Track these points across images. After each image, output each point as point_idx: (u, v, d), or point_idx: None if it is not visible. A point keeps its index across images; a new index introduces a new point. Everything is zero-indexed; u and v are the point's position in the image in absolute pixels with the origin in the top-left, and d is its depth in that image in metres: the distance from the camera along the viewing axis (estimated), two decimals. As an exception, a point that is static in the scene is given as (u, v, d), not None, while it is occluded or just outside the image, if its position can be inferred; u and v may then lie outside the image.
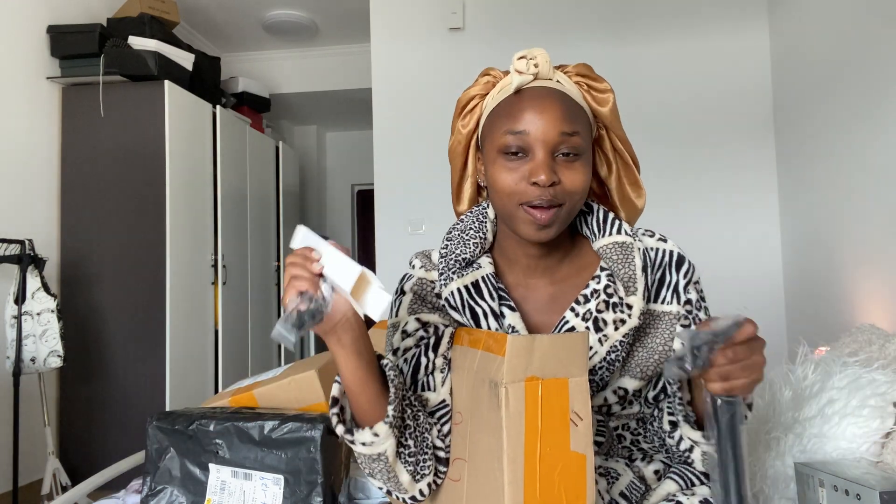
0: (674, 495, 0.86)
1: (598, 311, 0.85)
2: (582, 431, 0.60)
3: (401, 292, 0.95)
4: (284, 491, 0.95)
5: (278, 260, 4.52)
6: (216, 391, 3.54)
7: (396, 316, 0.93)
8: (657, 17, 3.10)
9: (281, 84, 4.78)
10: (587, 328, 0.85)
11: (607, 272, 0.88)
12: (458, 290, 0.89)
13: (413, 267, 0.96)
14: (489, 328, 0.86)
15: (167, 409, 2.89)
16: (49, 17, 3.08)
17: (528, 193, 0.81)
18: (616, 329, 0.85)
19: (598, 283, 0.87)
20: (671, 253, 0.90)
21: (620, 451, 0.89)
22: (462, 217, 0.97)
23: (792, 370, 1.30)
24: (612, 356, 0.85)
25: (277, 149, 4.55)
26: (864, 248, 2.20)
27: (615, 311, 0.85)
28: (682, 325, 0.88)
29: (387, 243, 3.23)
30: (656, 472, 0.89)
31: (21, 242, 2.54)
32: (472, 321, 0.88)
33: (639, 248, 0.88)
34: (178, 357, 3.13)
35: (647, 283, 0.88)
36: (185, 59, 3.34)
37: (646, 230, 0.93)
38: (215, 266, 3.56)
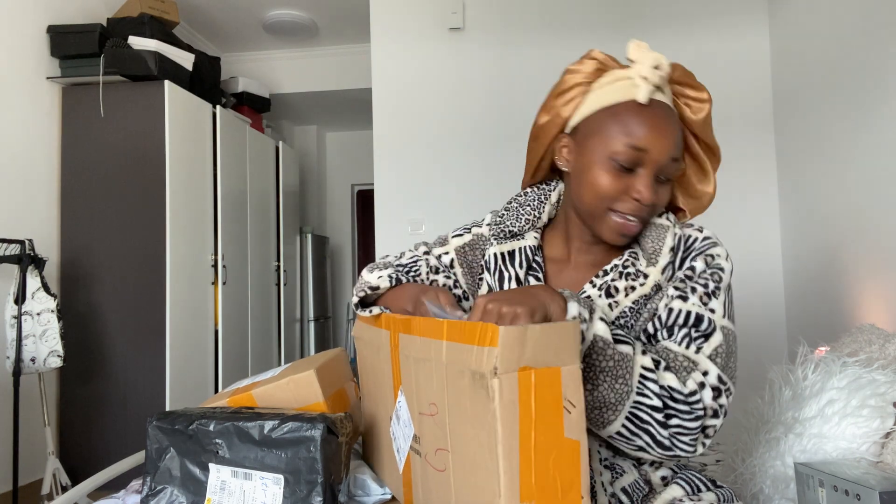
0: (680, 500, 0.85)
1: (612, 281, 0.89)
2: (575, 418, 0.60)
3: (465, 229, 1.05)
4: (284, 490, 0.95)
5: (278, 260, 4.52)
6: (216, 391, 3.54)
7: (446, 242, 1.05)
8: (657, 17, 3.10)
9: (281, 84, 4.78)
10: (599, 296, 0.88)
11: (631, 251, 0.91)
12: (495, 254, 0.97)
13: (483, 220, 1.05)
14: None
15: (167, 409, 2.89)
16: (49, 17, 3.08)
17: (626, 206, 0.85)
18: (626, 295, 0.87)
19: (620, 259, 0.91)
20: (699, 237, 0.90)
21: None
22: (526, 191, 1.01)
23: (792, 370, 1.30)
24: (622, 321, 0.87)
25: (277, 149, 4.56)
26: (864, 248, 2.20)
27: (628, 280, 0.88)
28: (675, 287, 0.85)
29: (387, 243, 3.23)
30: (663, 478, 0.88)
31: (21, 242, 2.55)
32: (497, 284, 0.95)
33: (674, 233, 0.90)
34: (178, 357, 3.13)
35: (672, 262, 0.89)
36: (185, 59, 3.34)
37: (689, 223, 0.94)
38: (215, 266, 3.56)
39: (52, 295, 2.53)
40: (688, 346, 0.81)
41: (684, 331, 0.82)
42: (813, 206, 2.62)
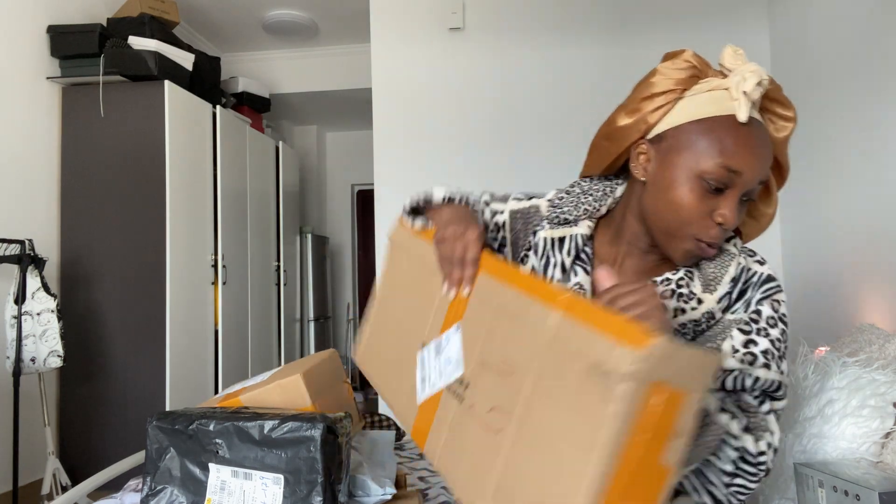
0: None
1: (663, 298, 0.83)
2: (676, 447, 0.58)
3: (527, 196, 1.03)
4: (284, 490, 0.95)
5: (278, 260, 4.52)
6: (216, 391, 3.54)
7: (506, 200, 1.05)
8: (657, 17, 3.10)
9: (281, 84, 4.78)
10: None
11: (687, 268, 0.87)
12: (545, 239, 0.95)
13: (545, 195, 1.02)
14: (550, 278, 0.91)
15: (167, 409, 2.89)
16: (49, 17, 3.08)
17: (709, 233, 0.79)
18: (674, 316, 0.83)
19: (674, 274, 0.87)
20: (762, 274, 0.87)
21: None
22: (591, 179, 0.96)
23: (792, 370, 1.30)
24: None
25: (277, 149, 4.56)
26: (864, 248, 2.20)
27: (679, 300, 0.84)
28: (741, 330, 0.84)
29: (387, 243, 3.22)
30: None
31: (21, 242, 2.55)
32: (542, 269, 0.93)
33: (738, 263, 0.86)
34: (178, 357, 3.13)
35: (729, 293, 0.85)
36: (185, 59, 3.34)
37: (750, 250, 0.90)
38: (215, 266, 3.56)
39: (52, 295, 2.53)
40: (761, 404, 0.81)
41: (762, 394, 0.82)
42: (812, 206, 2.62)
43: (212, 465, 1.00)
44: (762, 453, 0.77)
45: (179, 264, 3.18)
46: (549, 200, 1.00)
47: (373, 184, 3.28)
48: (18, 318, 2.47)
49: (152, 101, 3.12)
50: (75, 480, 2.82)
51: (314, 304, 5.16)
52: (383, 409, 3.14)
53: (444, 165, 3.20)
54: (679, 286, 0.85)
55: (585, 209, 0.94)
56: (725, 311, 0.85)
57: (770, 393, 0.82)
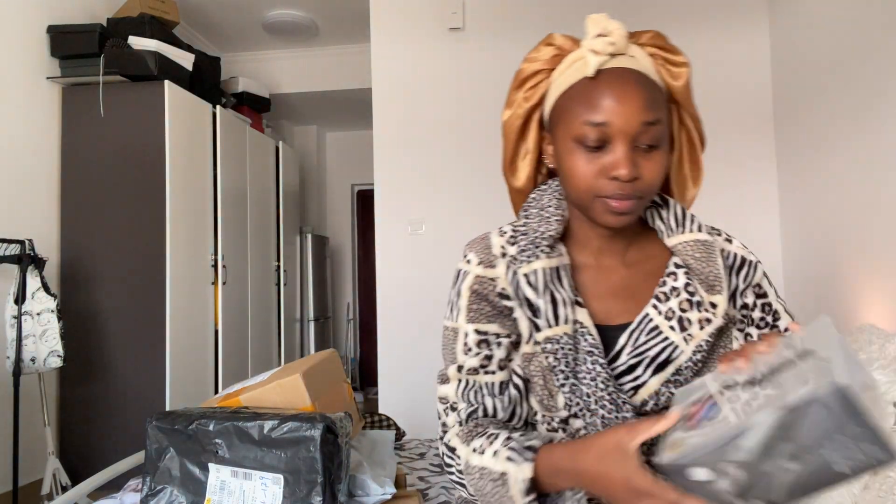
0: None
1: (682, 311, 0.82)
2: None
3: (458, 294, 0.87)
4: (284, 490, 0.95)
5: (278, 260, 4.52)
6: (216, 391, 3.54)
7: (456, 321, 0.87)
8: (658, 17, 3.10)
9: (281, 84, 4.78)
10: (671, 327, 0.81)
11: (684, 270, 0.84)
12: (545, 269, 0.82)
13: (469, 262, 0.87)
14: (565, 318, 0.81)
15: (167, 409, 2.89)
16: (49, 17, 3.08)
17: (607, 188, 0.76)
18: (702, 328, 0.81)
19: (676, 280, 0.83)
20: (735, 256, 0.87)
21: None
22: (538, 194, 0.90)
23: (792, 370, 1.29)
24: (698, 356, 0.81)
25: (277, 149, 4.56)
26: (864, 249, 2.20)
27: (699, 310, 0.82)
28: (738, 330, 0.85)
29: (387, 243, 3.23)
30: None
31: (21, 242, 2.55)
32: (550, 307, 0.81)
33: (720, 249, 0.85)
34: (178, 357, 3.13)
35: (729, 284, 0.85)
36: (185, 59, 3.34)
37: (712, 227, 0.89)
38: (215, 266, 3.56)
39: (52, 295, 2.53)
40: None
41: None
42: (813, 205, 2.62)
43: (211, 465, 1.00)
44: None
45: (179, 264, 3.18)
46: (496, 255, 0.87)
47: (373, 184, 3.28)
48: (18, 318, 2.47)
49: (152, 101, 3.12)
50: (75, 480, 2.82)
51: (314, 304, 5.16)
52: (383, 408, 3.14)
53: (443, 165, 3.20)
54: (691, 294, 0.82)
55: (557, 220, 0.86)
56: (735, 307, 0.86)
57: None
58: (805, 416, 0.53)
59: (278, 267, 4.52)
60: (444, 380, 0.87)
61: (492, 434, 0.80)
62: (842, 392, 0.51)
